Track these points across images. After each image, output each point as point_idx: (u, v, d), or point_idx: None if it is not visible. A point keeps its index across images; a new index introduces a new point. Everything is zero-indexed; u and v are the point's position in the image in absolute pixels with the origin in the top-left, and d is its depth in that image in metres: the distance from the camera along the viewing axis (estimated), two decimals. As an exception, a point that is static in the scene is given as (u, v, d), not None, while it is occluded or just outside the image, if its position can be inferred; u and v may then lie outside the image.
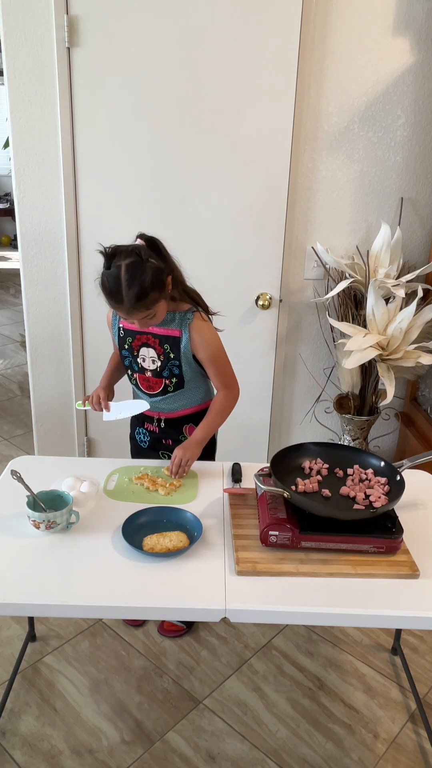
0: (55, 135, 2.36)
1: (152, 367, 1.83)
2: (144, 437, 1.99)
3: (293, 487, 1.55)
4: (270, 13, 2.23)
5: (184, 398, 1.89)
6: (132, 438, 2.06)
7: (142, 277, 1.59)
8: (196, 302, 1.81)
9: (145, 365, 1.84)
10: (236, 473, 1.78)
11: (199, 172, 2.44)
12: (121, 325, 1.85)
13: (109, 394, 1.94)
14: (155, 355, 1.81)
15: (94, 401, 1.88)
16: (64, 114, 2.33)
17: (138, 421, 2.00)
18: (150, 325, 1.72)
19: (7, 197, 7.52)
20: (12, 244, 7.66)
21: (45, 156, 2.39)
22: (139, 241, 1.67)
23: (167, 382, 1.84)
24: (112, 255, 1.62)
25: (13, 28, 2.24)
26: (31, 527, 1.50)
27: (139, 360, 1.85)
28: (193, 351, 1.79)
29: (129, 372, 1.91)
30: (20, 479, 1.54)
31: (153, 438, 1.97)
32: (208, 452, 2.00)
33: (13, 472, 1.57)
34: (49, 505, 1.54)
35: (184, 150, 2.40)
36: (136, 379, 1.89)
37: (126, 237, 2.48)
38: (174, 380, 1.84)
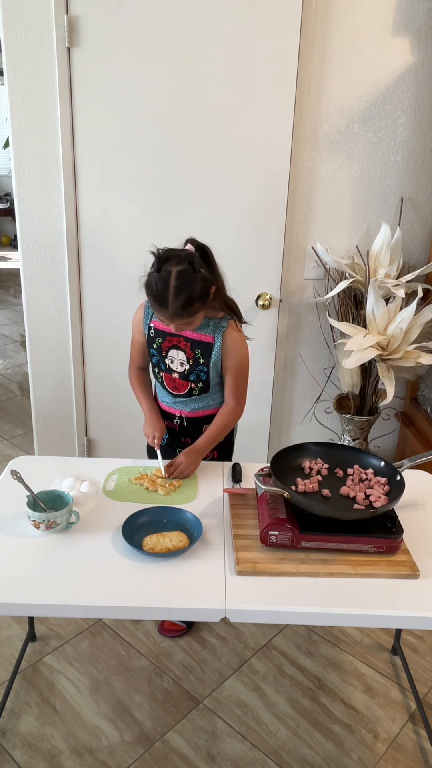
0: (55, 135, 2.36)
1: (180, 369, 1.83)
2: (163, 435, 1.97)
3: (293, 487, 1.55)
4: (270, 13, 2.23)
5: (208, 400, 1.89)
6: None
7: (192, 286, 1.59)
8: (232, 311, 1.82)
9: (173, 366, 1.84)
10: (236, 473, 1.78)
11: (199, 171, 2.44)
12: (152, 325, 1.83)
13: (163, 428, 1.91)
14: (184, 358, 1.81)
15: (156, 443, 1.87)
16: (64, 114, 2.33)
17: None
18: (184, 330, 1.72)
19: (7, 197, 7.51)
20: (12, 244, 7.65)
21: (45, 156, 2.39)
22: (189, 247, 1.66)
23: (193, 385, 1.84)
24: (164, 259, 1.61)
25: (13, 28, 2.24)
26: (31, 527, 1.50)
27: (167, 361, 1.84)
28: (222, 358, 1.78)
29: (155, 369, 1.89)
30: (20, 479, 1.54)
31: (173, 436, 1.96)
32: (226, 452, 2.00)
33: (13, 472, 1.57)
34: (49, 505, 1.54)
35: (184, 150, 2.40)
36: (162, 378, 1.88)
37: (126, 236, 2.50)
38: (200, 385, 1.83)
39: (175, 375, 1.84)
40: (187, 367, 1.81)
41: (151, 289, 1.61)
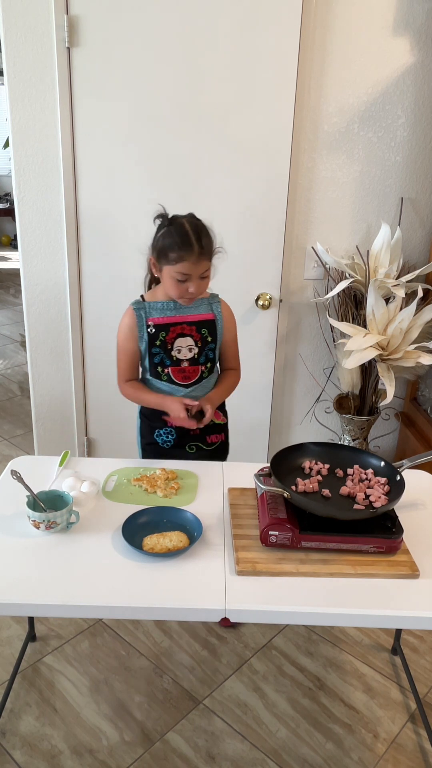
0: (55, 135, 2.36)
1: (189, 356, 1.85)
2: (168, 436, 1.92)
3: (293, 487, 1.55)
4: (270, 13, 2.23)
5: (212, 379, 1.93)
6: (150, 444, 1.97)
7: (206, 227, 1.74)
8: None
9: (181, 356, 1.84)
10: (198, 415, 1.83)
11: (199, 172, 2.44)
12: (150, 323, 1.81)
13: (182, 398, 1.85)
14: (192, 343, 1.84)
15: (197, 409, 1.81)
16: (64, 114, 2.33)
17: (159, 421, 1.91)
18: (199, 293, 1.76)
19: (7, 197, 7.51)
20: (12, 244, 7.65)
21: (45, 156, 2.39)
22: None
23: (203, 368, 1.87)
24: (171, 217, 1.75)
25: (13, 28, 2.24)
26: (31, 527, 1.50)
27: (173, 353, 1.83)
28: (223, 330, 1.88)
29: (159, 369, 1.84)
30: (20, 479, 1.54)
31: (180, 433, 1.91)
32: (221, 452, 2.01)
33: (13, 472, 1.57)
34: (49, 505, 1.54)
35: (184, 150, 2.40)
36: (168, 374, 1.84)
37: (125, 236, 2.49)
38: (209, 365, 1.88)
39: (185, 364, 1.85)
40: (196, 350, 1.85)
41: (169, 241, 1.70)
